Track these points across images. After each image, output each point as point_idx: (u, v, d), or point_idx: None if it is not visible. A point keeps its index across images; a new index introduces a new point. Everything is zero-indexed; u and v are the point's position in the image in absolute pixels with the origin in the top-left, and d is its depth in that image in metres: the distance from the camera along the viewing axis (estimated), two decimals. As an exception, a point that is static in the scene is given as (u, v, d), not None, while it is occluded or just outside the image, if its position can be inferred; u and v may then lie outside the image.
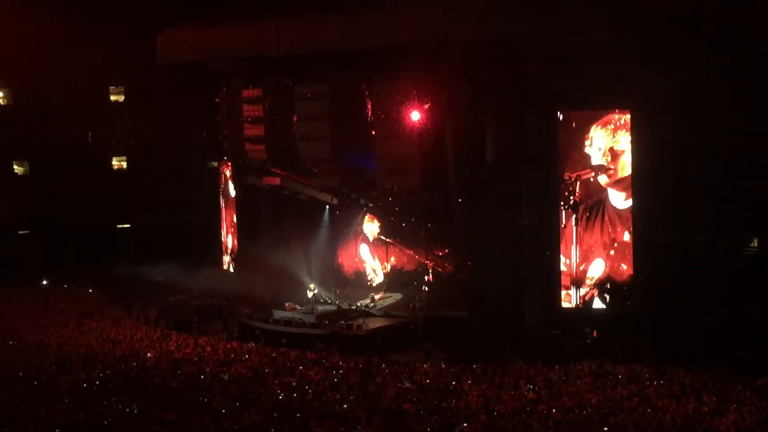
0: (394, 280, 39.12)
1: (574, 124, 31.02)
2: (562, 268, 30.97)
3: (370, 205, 39.49)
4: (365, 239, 40.31)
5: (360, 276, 40.67)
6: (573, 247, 30.90)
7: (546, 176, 31.23)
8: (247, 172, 40.73)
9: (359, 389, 22.49)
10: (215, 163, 44.43)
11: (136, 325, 34.63)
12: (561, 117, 30.98)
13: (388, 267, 39.04)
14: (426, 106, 33.30)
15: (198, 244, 42.81)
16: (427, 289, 36.98)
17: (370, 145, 34.71)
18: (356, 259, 40.77)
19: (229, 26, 36.12)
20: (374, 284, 39.67)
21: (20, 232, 46.75)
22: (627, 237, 30.59)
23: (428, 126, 33.49)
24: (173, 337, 31.35)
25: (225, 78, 39.25)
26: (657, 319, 28.84)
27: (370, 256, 39.92)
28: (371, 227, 40.10)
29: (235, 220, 42.63)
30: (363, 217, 40.23)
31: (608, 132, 30.66)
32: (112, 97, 48.34)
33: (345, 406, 20.41)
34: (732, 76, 27.40)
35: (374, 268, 39.63)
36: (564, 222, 30.77)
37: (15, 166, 48.26)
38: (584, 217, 30.88)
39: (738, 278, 28.57)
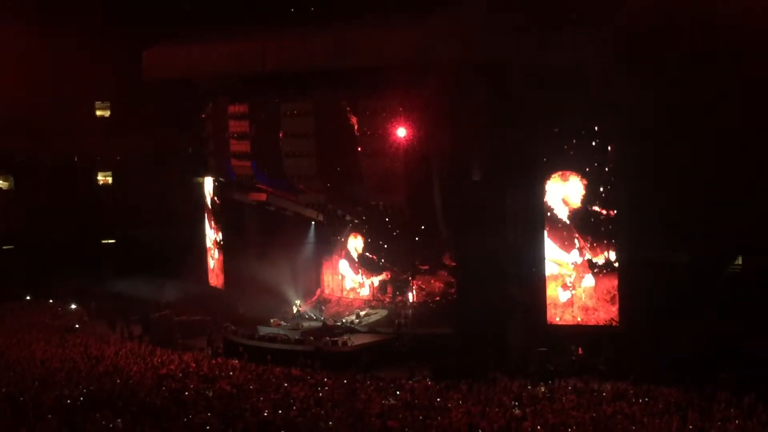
0: (378, 296, 39.03)
1: (559, 143, 31.19)
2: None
3: (356, 221, 39.47)
4: (349, 256, 40.23)
5: (345, 292, 40.55)
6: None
7: (532, 195, 31.32)
8: (232, 188, 40.67)
9: (344, 406, 22.43)
10: (201, 179, 44.34)
11: (120, 341, 34.46)
12: (546, 135, 31.11)
13: (375, 282, 38.97)
14: (412, 124, 33.41)
15: (183, 259, 42.61)
16: (412, 305, 36.92)
17: (355, 162, 34.80)
18: (339, 277, 40.70)
19: (216, 43, 36.13)
20: (360, 299, 39.53)
21: (4, 248, 46.47)
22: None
23: (414, 143, 33.60)
24: (157, 353, 31.17)
25: (211, 94, 39.27)
26: (642, 338, 28.90)
27: (352, 273, 39.87)
28: (355, 244, 40.05)
29: (220, 235, 42.53)
30: (348, 234, 40.17)
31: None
32: (98, 113, 48.22)
33: (330, 423, 20.37)
34: (713, 98, 27.53)
35: (360, 282, 39.57)
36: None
37: (-1, 182, 48.06)
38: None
39: (722, 297, 28.67)
